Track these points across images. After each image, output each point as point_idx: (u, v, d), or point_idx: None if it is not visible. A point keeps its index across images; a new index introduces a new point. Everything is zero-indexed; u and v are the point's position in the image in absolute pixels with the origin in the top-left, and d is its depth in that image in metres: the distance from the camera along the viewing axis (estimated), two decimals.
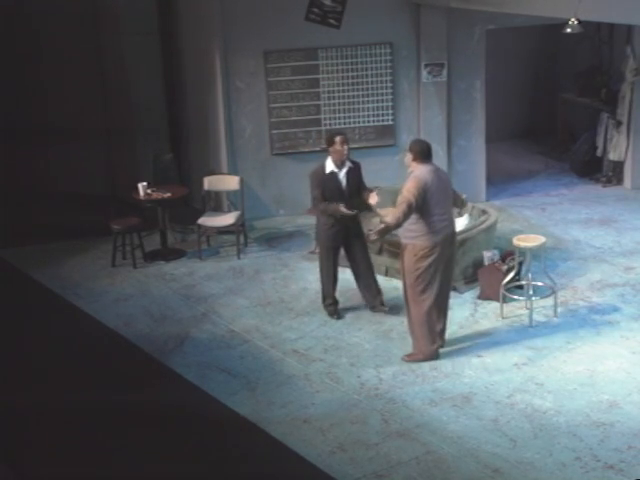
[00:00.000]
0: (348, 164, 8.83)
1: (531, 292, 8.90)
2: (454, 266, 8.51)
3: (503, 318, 8.95)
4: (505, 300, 9.08)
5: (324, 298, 9.23)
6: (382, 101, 11.95)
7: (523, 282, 9.11)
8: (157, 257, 10.95)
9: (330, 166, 8.80)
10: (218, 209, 11.67)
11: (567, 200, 12.47)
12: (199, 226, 10.97)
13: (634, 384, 7.73)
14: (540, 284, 9.22)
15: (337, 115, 11.89)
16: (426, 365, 8.18)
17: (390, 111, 11.99)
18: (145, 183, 10.83)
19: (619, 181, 12.93)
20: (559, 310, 9.07)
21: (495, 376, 7.94)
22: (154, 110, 12.25)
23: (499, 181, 13.01)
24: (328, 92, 11.84)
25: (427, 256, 7.99)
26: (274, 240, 11.46)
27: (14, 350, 8.79)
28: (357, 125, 11.96)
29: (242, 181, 11.30)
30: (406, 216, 7.89)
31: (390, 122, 12.02)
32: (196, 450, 7.08)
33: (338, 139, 8.72)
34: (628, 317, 8.94)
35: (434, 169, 8.07)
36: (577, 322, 8.89)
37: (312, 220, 11.28)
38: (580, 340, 8.54)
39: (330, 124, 11.88)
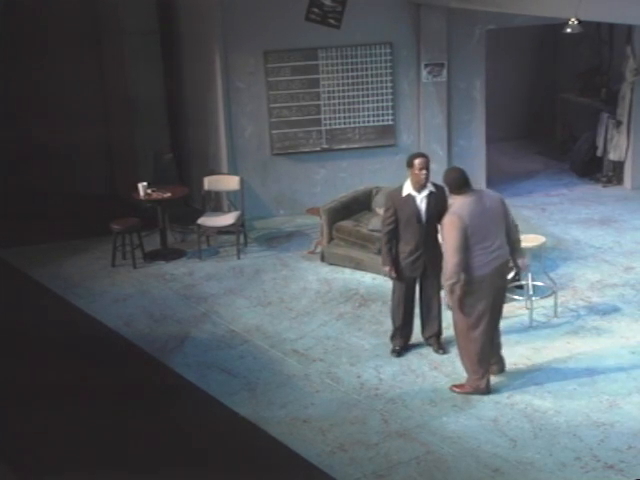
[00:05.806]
0: (429, 187, 7.97)
1: (531, 292, 8.90)
2: (505, 297, 7.86)
3: (503, 318, 8.93)
4: (505, 300, 9.07)
5: (393, 329, 8.44)
6: (382, 101, 11.95)
7: (523, 282, 9.11)
8: (157, 257, 10.95)
9: (408, 189, 7.97)
10: (218, 209, 11.68)
11: (567, 200, 12.47)
12: (199, 226, 10.97)
13: (634, 384, 7.73)
14: (540, 284, 9.23)
15: (337, 115, 11.89)
16: (426, 365, 8.18)
17: (390, 111, 11.99)
18: (145, 183, 10.83)
19: (619, 181, 12.93)
20: (559, 310, 9.07)
21: (495, 376, 7.93)
22: (154, 110, 12.25)
23: (499, 181, 12.98)
24: (328, 92, 11.84)
25: (474, 291, 7.35)
26: (274, 240, 11.45)
27: (14, 350, 8.78)
28: (357, 125, 11.96)
29: (242, 181, 11.30)
30: (459, 265, 7.19)
31: (390, 122, 12.02)
32: (196, 450, 7.08)
33: (417, 162, 7.86)
34: (628, 317, 8.94)
35: (476, 199, 7.35)
36: (577, 322, 8.89)
37: (312, 220, 11.33)
38: (580, 340, 8.54)
39: (330, 124, 11.88)
